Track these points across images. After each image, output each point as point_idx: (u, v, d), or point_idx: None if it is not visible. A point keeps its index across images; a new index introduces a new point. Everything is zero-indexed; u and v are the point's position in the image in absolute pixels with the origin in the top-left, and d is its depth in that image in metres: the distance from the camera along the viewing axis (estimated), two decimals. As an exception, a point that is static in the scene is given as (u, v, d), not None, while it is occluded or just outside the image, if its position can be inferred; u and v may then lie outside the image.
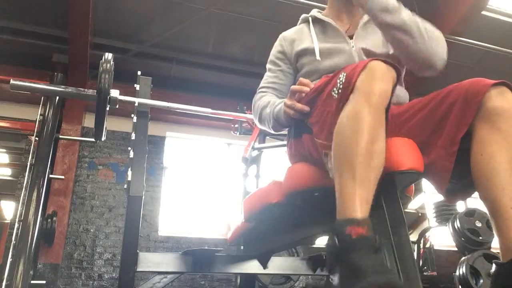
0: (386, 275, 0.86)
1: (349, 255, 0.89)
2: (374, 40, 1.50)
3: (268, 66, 1.63)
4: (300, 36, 1.58)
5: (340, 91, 1.08)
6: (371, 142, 0.98)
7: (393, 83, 1.05)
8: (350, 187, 0.96)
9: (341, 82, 1.09)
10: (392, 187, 1.13)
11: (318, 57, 1.48)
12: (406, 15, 1.33)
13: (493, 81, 1.06)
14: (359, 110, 1.00)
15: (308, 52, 1.52)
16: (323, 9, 1.66)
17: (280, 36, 1.64)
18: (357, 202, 0.94)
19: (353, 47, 1.49)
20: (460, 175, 1.12)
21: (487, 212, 1.04)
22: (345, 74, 1.09)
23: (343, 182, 0.98)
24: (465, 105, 1.07)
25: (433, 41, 1.34)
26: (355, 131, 0.98)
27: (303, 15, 1.64)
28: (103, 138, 2.46)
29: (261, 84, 1.61)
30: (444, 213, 4.34)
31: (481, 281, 3.05)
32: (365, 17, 1.55)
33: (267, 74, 1.62)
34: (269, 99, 1.52)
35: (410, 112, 1.22)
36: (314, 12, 1.61)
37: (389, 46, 1.46)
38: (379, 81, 1.02)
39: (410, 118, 1.21)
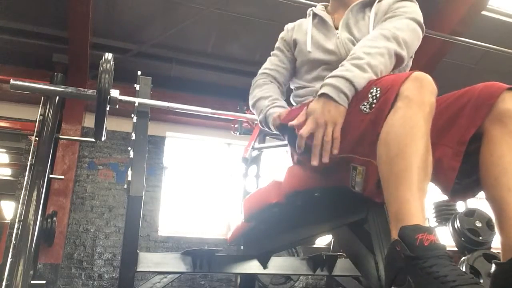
0: (477, 286, 0.80)
1: (425, 264, 0.83)
2: (361, 29, 1.48)
3: (272, 52, 1.70)
4: (299, 27, 1.64)
5: (374, 105, 1.06)
6: (426, 151, 0.97)
7: (436, 96, 1.05)
8: (410, 192, 0.93)
9: (374, 97, 1.07)
10: (392, 187, 1.13)
11: (309, 48, 1.52)
12: (378, 55, 1.26)
13: (507, 85, 1.08)
14: (414, 117, 0.98)
15: (302, 42, 1.57)
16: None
17: (285, 26, 1.71)
18: (419, 210, 0.91)
19: (338, 37, 1.49)
20: (464, 174, 1.12)
21: (492, 212, 1.04)
22: (378, 88, 1.07)
23: (402, 186, 0.94)
24: (477, 106, 1.07)
25: (409, 48, 1.34)
26: (413, 136, 0.96)
27: (309, 9, 1.68)
28: (103, 138, 2.45)
29: (265, 66, 1.67)
30: (444, 213, 4.33)
31: (481, 281, 3.05)
32: (353, 5, 1.53)
33: (271, 58, 1.68)
34: (270, 93, 1.57)
35: None
36: (317, 6, 1.66)
37: None
38: (429, 93, 1.01)
39: None
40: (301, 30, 1.61)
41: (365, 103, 1.09)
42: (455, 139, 1.09)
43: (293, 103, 1.59)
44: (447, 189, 1.11)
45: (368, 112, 1.07)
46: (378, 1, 1.51)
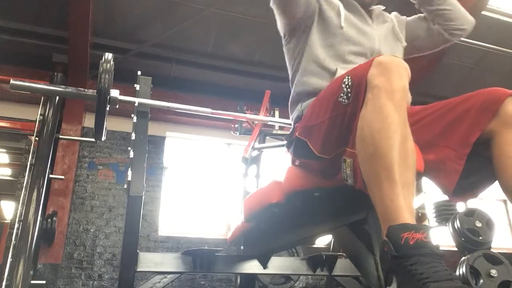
0: (450, 282, 0.78)
1: (407, 263, 0.82)
2: (388, 29, 1.55)
3: None
4: (328, 1, 1.53)
5: (350, 94, 1.04)
6: (404, 141, 0.93)
7: (408, 77, 1.00)
8: (392, 190, 0.90)
9: (347, 86, 1.05)
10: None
11: (342, 23, 1.45)
12: None
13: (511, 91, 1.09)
14: (384, 108, 0.94)
15: (332, 15, 1.48)
16: None
17: None
18: (403, 206, 0.88)
19: (374, 29, 1.51)
20: (465, 176, 1.12)
21: None
22: (349, 77, 1.05)
23: (384, 186, 0.91)
24: (482, 111, 1.09)
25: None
26: (386, 130, 0.93)
27: None
28: (103, 138, 2.45)
29: None
30: (444, 213, 4.33)
31: (481, 281, 3.05)
32: (382, 8, 1.59)
33: None
34: None
35: (422, 114, 1.22)
36: None
37: (402, 38, 1.55)
38: (398, 76, 0.97)
39: (420, 119, 1.21)
40: (330, 3, 1.52)
41: (342, 94, 1.07)
42: (459, 142, 1.09)
43: (300, 84, 1.46)
44: (449, 190, 1.12)
45: (347, 103, 1.06)
46: (393, 14, 1.65)
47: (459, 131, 1.10)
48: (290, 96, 1.53)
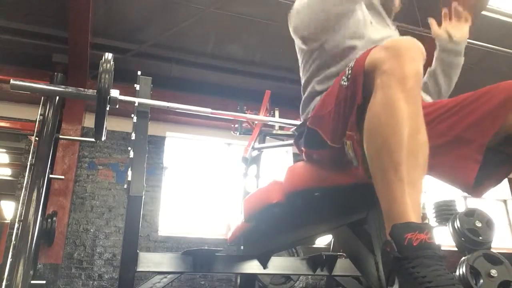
0: (453, 287, 0.76)
1: (409, 265, 0.79)
2: None
3: None
4: None
5: (350, 76, 1.01)
6: (415, 133, 0.88)
7: (423, 60, 0.95)
8: (398, 188, 0.86)
9: (349, 68, 1.03)
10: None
11: (370, 22, 1.36)
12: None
13: None
14: (394, 98, 0.88)
15: (359, 15, 1.37)
16: None
17: None
18: (409, 205, 0.85)
19: (395, 29, 1.47)
20: (482, 168, 1.09)
21: None
22: (354, 60, 1.03)
23: (390, 182, 0.87)
24: (501, 105, 1.06)
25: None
26: (394, 125, 0.88)
27: None
28: (103, 138, 2.45)
29: None
30: (444, 213, 4.33)
31: (481, 281, 3.04)
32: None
33: None
34: None
35: (441, 110, 1.17)
36: None
37: None
38: (410, 61, 0.90)
39: (439, 116, 1.16)
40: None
41: (344, 77, 1.05)
42: (478, 134, 1.07)
43: (321, 84, 1.38)
44: (469, 183, 1.08)
45: (346, 86, 1.03)
46: None
47: (478, 124, 1.07)
48: (308, 91, 1.44)
